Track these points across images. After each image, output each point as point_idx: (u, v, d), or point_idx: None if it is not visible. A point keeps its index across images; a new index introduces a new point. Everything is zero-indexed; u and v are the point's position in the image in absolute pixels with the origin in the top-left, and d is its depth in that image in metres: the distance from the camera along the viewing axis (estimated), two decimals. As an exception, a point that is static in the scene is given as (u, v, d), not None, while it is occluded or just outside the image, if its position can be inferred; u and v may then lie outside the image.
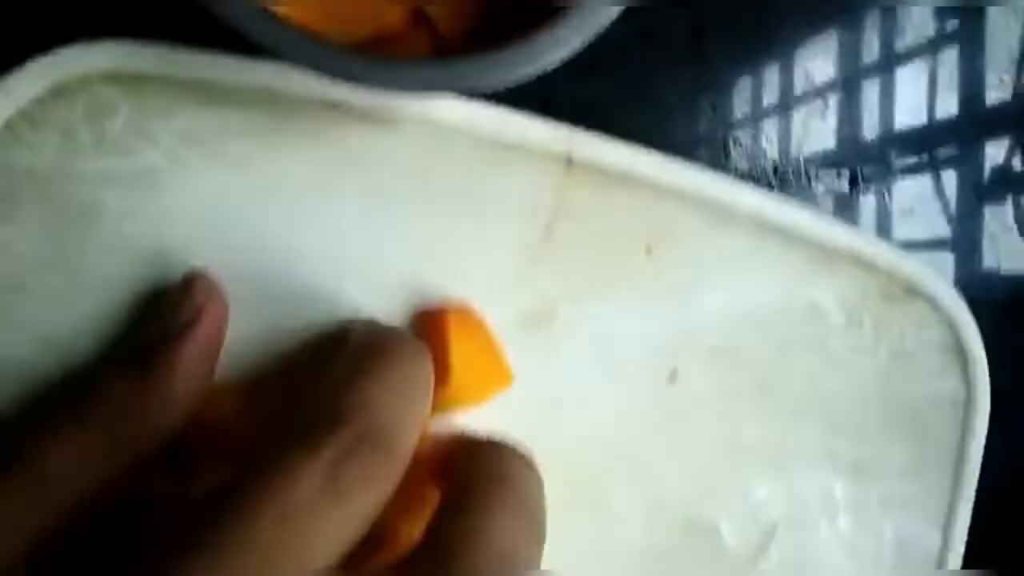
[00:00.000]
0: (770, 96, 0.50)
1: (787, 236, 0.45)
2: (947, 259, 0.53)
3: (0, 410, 0.35)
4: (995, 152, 0.53)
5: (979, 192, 0.53)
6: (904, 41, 0.51)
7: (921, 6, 0.51)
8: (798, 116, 0.51)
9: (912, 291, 0.47)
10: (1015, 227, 0.53)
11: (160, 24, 0.38)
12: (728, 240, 0.44)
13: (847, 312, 0.46)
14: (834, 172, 0.52)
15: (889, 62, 0.51)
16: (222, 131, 0.38)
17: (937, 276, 0.48)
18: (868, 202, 0.52)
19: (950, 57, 0.51)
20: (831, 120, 0.52)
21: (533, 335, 0.41)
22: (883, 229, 0.52)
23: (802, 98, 0.51)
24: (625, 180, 0.42)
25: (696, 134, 0.50)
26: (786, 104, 0.51)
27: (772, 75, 0.50)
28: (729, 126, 0.50)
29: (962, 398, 0.47)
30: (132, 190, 0.37)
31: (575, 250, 0.42)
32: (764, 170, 0.51)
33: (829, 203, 0.52)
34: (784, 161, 0.51)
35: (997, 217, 0.52)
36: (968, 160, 0.53)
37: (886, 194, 0.52)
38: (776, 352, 0.45)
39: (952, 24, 0.52)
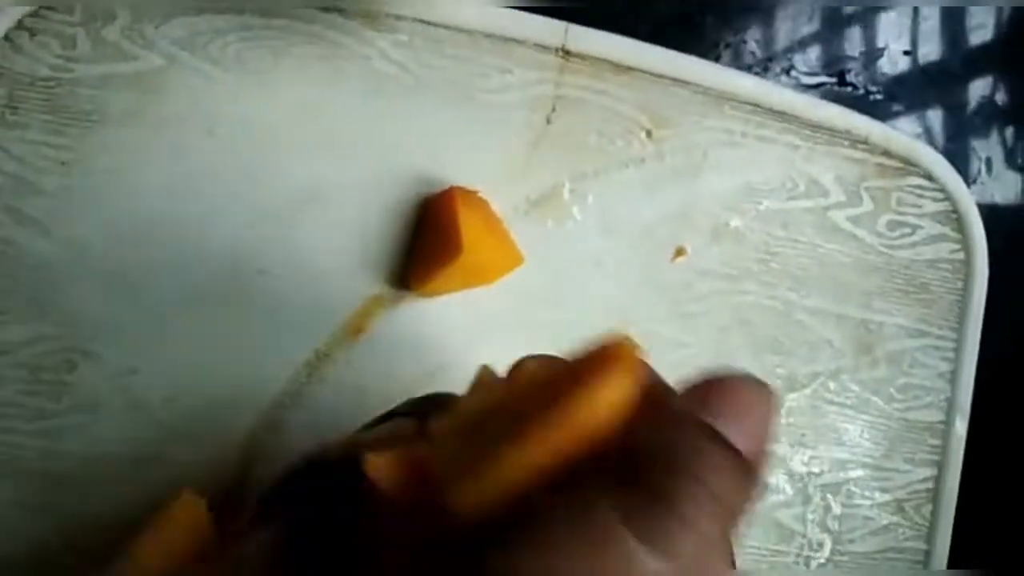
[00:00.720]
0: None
1: (784, 118, 0.46)
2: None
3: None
4: (980, 88, 0.54)
5: (966, 126, 0.53)
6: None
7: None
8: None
9: (907, 164, 0.48)
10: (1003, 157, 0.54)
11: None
12: (726, 123, 0.45)
13: (845, 187, 0.47)
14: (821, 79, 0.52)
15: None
16: (221, 34, 0.38)
17: (930, 150, 0.48)
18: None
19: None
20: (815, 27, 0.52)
21: (540, 218, 0.42)
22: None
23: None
24: (621, 69, 0.42)
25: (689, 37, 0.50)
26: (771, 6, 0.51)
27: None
28: (720, 30, 0.51)
29: (961, 258, 0.48)
30: (133, 92, 0.38)
31: (576, 137, 0.43)
32: (753, 68, 0.52)
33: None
34: (773, 60, 0.52)
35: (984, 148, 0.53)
36: (953, 98, 0.53)
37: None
38: (779, 226, 0.45)
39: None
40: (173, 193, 0.38)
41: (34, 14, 0.37)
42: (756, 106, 0.46)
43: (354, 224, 0.40)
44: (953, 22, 0.55)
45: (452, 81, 0.41)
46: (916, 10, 0.55)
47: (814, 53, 0.53)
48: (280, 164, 0.39)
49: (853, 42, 0.54)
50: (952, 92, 0.56)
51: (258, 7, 0.38)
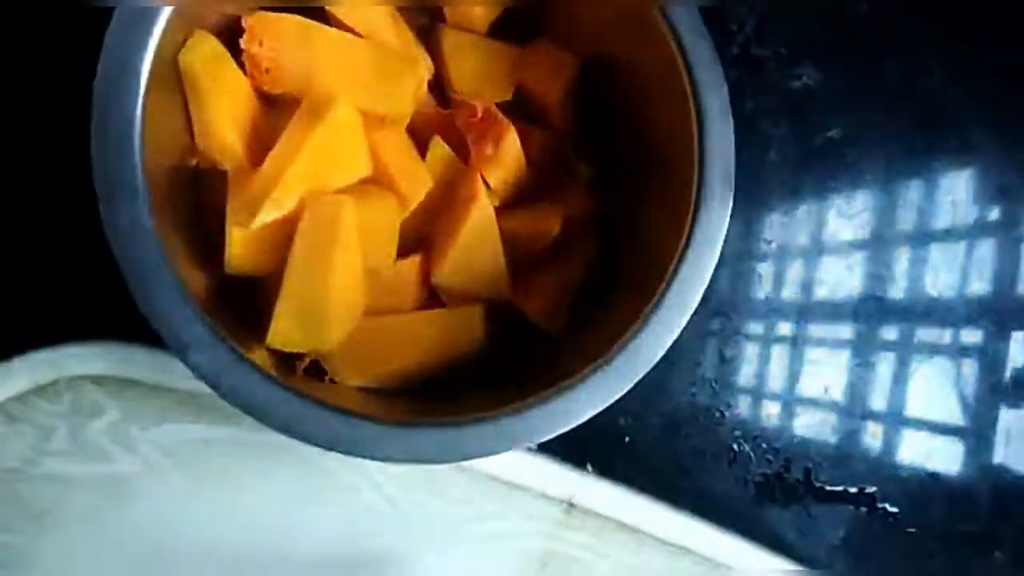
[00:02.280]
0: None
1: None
2: (957, 447, 0.49)
3: None
4: (1018, 349, 0.51)
5: (997, 390, 0.50)
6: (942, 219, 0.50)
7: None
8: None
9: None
10: None
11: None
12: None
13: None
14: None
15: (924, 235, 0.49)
16: (209, 445, 0.36)
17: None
18: (884, 373, 0.49)
19: (987, 244, 0.50)
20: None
21: None
22: (896, 400, 0.49)
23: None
24: (625, 528, 0.39)
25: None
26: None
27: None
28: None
29: None
30: (98, 496, 0.35)
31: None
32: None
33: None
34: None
35: (1013, 416, 0.50)
36: (991, 353, 0.50)
37: (907, 366, 0.48)
38: None
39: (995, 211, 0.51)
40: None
41: (19, 399, 0.35)
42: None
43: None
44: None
45: (440, 523, 0.38)
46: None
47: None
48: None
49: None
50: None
51: (253, 423, 0.36)
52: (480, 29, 0.41)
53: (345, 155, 0.35)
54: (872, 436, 0.47)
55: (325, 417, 0.30)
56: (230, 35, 0.35)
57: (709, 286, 0.34)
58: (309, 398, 0.30)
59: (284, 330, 0.35)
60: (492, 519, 0.38)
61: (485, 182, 0.39)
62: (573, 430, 0.33)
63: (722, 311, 0.46)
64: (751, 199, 0.47)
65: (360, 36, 0.37)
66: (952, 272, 0.50)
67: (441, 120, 0.40)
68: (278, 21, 0.34)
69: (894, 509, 0.47)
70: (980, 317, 0.50)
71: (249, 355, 0.30)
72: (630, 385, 0.33)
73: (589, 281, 0.40)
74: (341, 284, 0.35)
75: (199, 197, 0.36)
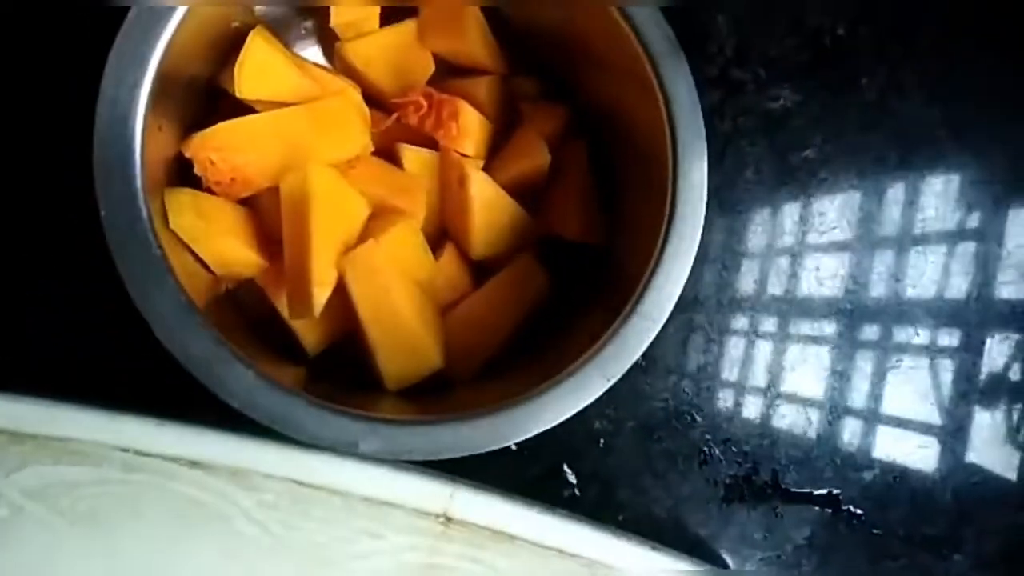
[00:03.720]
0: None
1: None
2: (932, 445, 0.51)
3: None
4: (996, 351, 0.52)
5: (973, 394, 0.51)
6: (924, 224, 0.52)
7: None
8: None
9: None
10: (1004, 432, 0.52)
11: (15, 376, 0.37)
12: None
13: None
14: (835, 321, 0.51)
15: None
16: (74, 486, 0.36)
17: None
18: (864, 366, 0.51)
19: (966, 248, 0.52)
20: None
21: None
22: (875, 396, 0.51)
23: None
24: (503, 537, 0.39)
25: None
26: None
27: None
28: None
29: None
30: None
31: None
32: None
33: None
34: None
35: (989, 418, 0.51)
36: (968, 353, 0.52)
37: (885, 363, 0.50)
38: None
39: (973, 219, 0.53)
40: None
41: None
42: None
43: None
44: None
45: (315, 545, 0.37)
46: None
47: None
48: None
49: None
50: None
51: (121, 461, 0.36)
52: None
53: (345, 209, 0.38)
54: (839, 439, 0.50)
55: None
56: (179, 168, 0.37)
57: (682, 293, 0.37)
58: (311, 401, 0.32)
59: (396, 374, 0.39)
60: (368, 538, 0.38)
61: (463, 155, 0.41)
62: (550, 432, 0.35)
63: (696, 316, 0.49)
64: (728, 216, 0.49)
65: (285, 104, 0.38)
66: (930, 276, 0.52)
67: (394, 128, 0.42)
68: (212, 135, 0.36)
69: (858, 511, 0.49)
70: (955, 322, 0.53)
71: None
72: (602, 390, 0.35)
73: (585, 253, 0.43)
74: (412, 310, 0.38)
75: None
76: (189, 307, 0.31)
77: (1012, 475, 0.52)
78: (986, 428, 0.52)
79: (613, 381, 0.35)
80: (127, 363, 0.40)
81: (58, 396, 0.37)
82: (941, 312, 0.52)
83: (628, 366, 0.35)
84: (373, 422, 0.33)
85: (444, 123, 0.41)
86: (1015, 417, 0.53)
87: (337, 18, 0.40)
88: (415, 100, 0.41)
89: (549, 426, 0.34)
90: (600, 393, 0.35)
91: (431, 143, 0.42)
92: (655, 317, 0.36)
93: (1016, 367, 0.53)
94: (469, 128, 0.41)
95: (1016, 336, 0.53)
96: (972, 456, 0.52)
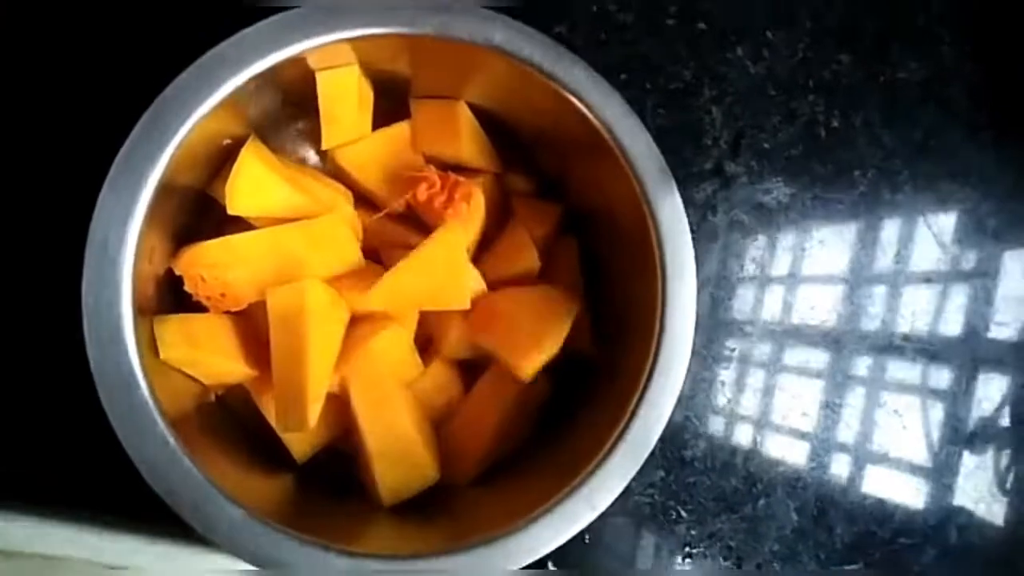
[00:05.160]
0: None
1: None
2: (921, 486, 0.52)
3: None
4: (986, 394, 0.53)
5: (962, 437, 0.52)
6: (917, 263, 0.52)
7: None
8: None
9: None
10: (993, 477, 0.52)
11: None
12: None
13: None
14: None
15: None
16: None
17: None
18: (853, 414, 0.52)
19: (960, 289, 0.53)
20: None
21: None
22: (866, 436, 0.52)
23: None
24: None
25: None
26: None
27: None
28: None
29: None
30: None
31: None
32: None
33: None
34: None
35: (977, 461, 0.52)
36: (958, 396, 0.52)
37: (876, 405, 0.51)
38: None
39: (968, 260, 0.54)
40: None
41: None
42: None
43: None
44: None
45: None
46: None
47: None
48: None
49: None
50: None
51: None
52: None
53: (336, 322, 0.38)
54: (822, 529, 0.50)
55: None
56: (169, 286, 0.37)
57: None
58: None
59: (392, 487, 0.39)
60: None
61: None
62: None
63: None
64: (718, 316, 0.50)
65: (276, 218, 0.38)
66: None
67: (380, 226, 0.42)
68: (202, 251, 0.37)
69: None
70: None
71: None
72: (588, 521, 0.35)
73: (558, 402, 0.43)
74: (411, 421, 0.39)
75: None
76: (177, 451, 0.31)
77: (999, 521, 0.53)
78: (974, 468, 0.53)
79: (599, 512, 0.35)
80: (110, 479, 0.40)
81: (47, 513, 0.37)
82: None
83: (614, 497, 0.36)
84: (358, 558, 0.33)
85: (455, 203, 0.40)
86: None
87: (329, 141, 0.40)
88: (429, 176, 0.41)
89: (535, 558, 0.35)
90: (586, 524, 0.35)
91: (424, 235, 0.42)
92: (643, 444, 0.36)
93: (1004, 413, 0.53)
94: (476, 212, 0.41)
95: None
96: (960, 499, 0.53)
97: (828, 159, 0.51)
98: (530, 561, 0.34)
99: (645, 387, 0.37)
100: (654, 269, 0.38)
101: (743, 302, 0.50)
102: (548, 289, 0.41)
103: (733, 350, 0.50)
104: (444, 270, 0.38)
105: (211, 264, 0.37)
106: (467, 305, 0.38)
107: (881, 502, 0.51)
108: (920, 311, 0.52)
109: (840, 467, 0.51)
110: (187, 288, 0.37)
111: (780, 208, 0.50)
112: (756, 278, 0.50)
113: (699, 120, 0.50)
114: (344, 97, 0.38)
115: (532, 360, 0.39)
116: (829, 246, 0.51)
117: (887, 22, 0.52)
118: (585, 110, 0.37)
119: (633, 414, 0.36)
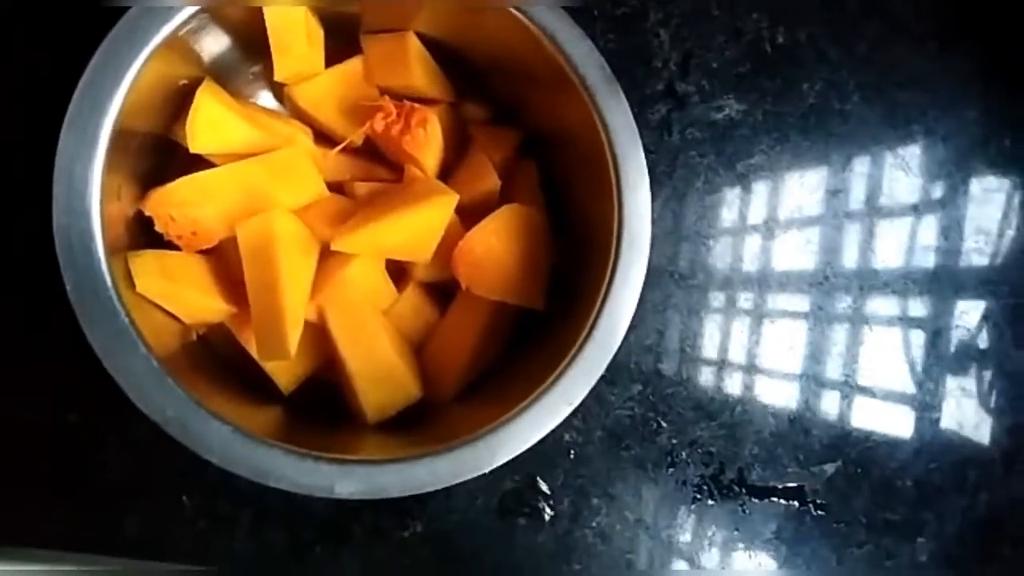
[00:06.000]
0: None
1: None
2: (907, 413, 0.54)
3: None
4: (965, 319, 0.55)
5: (944, 361, 0.54)
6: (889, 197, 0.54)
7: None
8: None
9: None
10: (976, 397, 0.54)
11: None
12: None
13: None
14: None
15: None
16: None
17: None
18: (838, 339, 0.53)
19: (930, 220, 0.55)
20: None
21: None
22: (849, 367, 0.54)
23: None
24: None
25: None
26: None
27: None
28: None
29: None
30: None
31: None
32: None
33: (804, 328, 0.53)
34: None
35: (960, 384, 0.54)
36: (938, 322, 0.54)
37: (858, 337, 0.53)
38: None
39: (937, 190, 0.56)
40: None
41: None
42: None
43: None
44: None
45: None
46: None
47: None
48: None
49: None
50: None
51: None
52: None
53: (306, 251, 0.39)
54: (800, 431, 0.52)
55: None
56: (140, 224, 0.38)
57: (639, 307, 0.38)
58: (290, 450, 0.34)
59: (376, 406, 0.40)
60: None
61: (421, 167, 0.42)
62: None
63: (656, 327, 0.50)
64: (675, 233, 0.51)
65: (238, 155, 0.39)
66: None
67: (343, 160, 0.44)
68: (170, 191, 0.38)
69: (823, 502, 0.51)
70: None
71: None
72: (566, 415, 0.37)
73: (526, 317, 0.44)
74: (388, 343, 0.40)
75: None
76: (162, 372, 0.32)
77: (985, 440, 0.55)
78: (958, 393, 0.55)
79: (575, 405, 0.37)
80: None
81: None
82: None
83: (588, 390, 0.37)
84: (348, 464, 0.34)
85: (412, 130, 0.42)
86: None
87: (281, 72, 0.41)
88: (385, 106, 0.42)
89: (516, 454, 0.36)
90: (564, 417, 0.37)
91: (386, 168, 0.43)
92: (609, 341, 0.38)
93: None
94: (434, 138, 0.42)
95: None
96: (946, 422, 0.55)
97: (776, 74, 0.53)
98: (513, 456, 0.36)
99: (608, 288, 0.38)
100: (610, 182, 0.39)
101: (703, 216, 0.51)
102: (513, 207, 0.42)
103: (695, 263, 0.51)
104: (425, 233, 0.40)
105: (179, 203, 0.38)
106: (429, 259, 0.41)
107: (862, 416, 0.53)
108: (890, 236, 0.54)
109: (821, 377, 0.52)
110: (158, 228, 0.38)
111: (732, 124, 0.52)
112: (715, 192, 0.52)
113: (647, 43, 0.51)
114: (293, 28, 0.39)
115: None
116: (788, 157, 0.53)
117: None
118: (527, 22, 0.38)
119: (599, 312, 0.38)
